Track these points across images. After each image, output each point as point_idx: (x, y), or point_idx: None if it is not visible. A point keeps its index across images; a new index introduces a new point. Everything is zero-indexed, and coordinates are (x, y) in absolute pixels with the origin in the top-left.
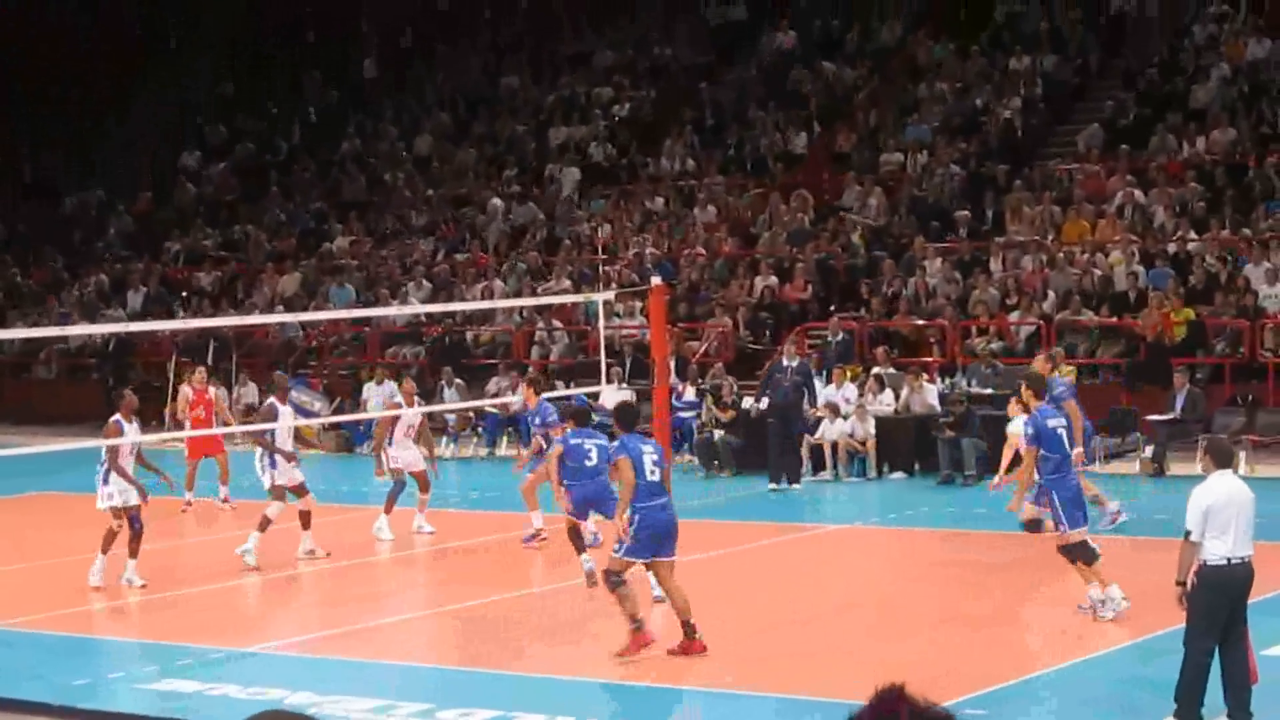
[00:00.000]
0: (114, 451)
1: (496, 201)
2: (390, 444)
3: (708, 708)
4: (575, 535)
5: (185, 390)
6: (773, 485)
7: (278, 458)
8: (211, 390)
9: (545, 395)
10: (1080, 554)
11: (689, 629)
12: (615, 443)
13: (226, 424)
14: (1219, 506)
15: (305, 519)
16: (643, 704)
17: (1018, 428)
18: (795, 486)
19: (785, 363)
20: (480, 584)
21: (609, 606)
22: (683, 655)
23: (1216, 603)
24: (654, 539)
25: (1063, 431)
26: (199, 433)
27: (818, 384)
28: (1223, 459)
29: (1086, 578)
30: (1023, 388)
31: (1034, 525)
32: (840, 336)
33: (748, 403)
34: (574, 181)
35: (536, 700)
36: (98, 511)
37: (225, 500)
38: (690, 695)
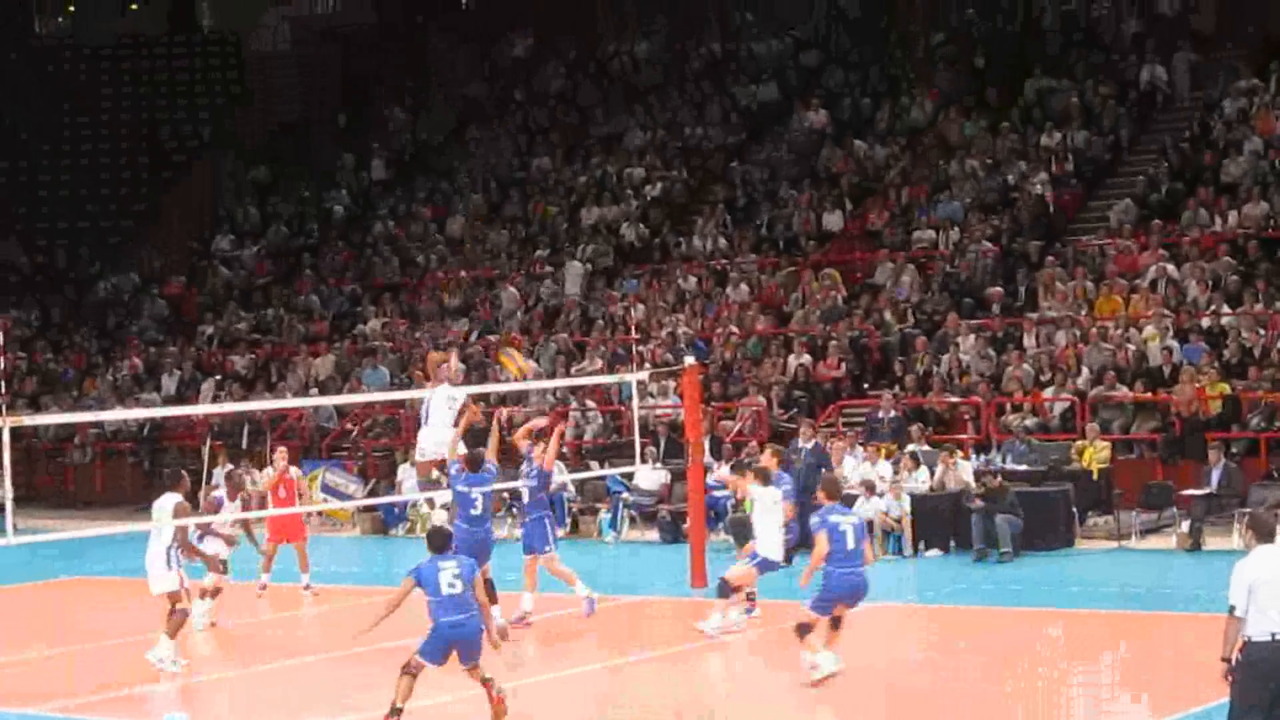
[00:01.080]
0: (184, 531)
1: (512, 290)
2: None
3: None
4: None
5: (266, 472)
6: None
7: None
8: (294, 470)
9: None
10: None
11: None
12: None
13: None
14: (1263, 581)
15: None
16: None
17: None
18: None
19: (800, 444)
20: (518, 665)
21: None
22: None
23: (1262, 680)
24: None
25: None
26: (279, 510)
27: (851, 462)
28: (1265, 533)
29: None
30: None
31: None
32: (892, 414)
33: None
34: (580, 274)
35: None
36: (152, 595)
37: (307, 587)
38: None
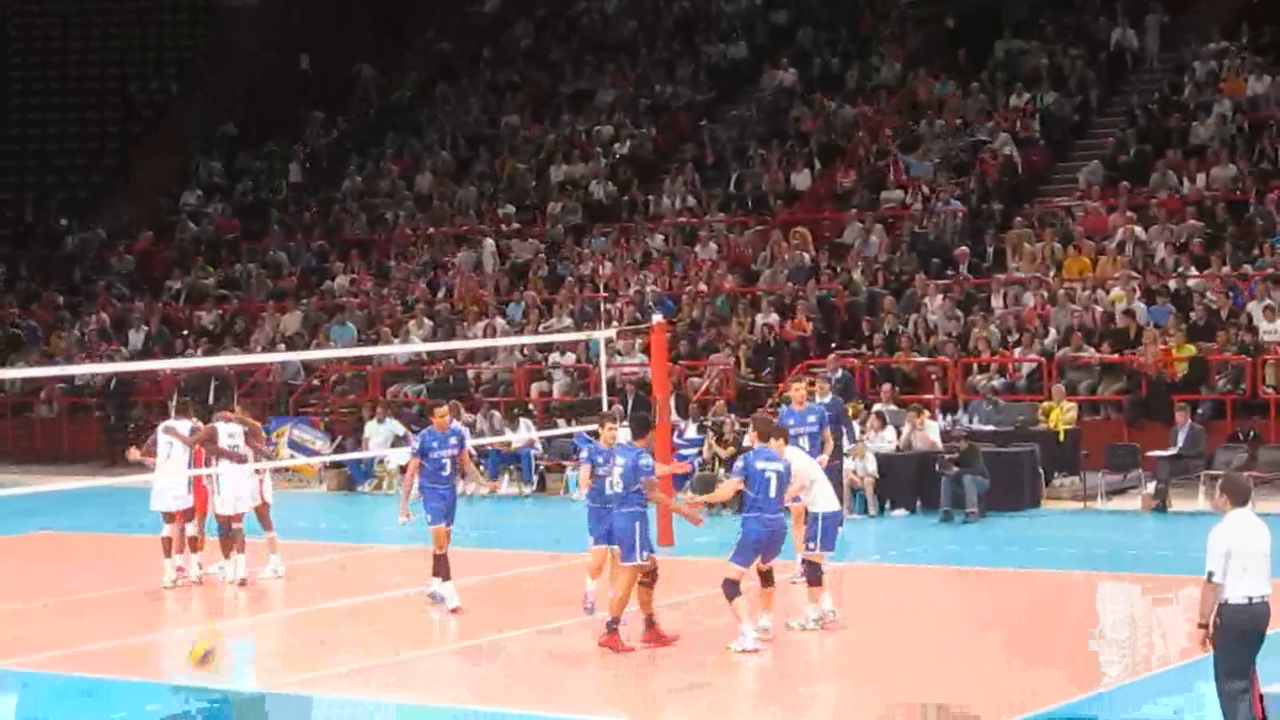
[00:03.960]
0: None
1: (489, 241)
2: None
3: None
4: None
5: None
6: None
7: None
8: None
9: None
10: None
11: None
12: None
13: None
14: (1240, 546)
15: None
16: None
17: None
18: None
19: (829, 374)
20: (481, 622)
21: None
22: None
23: (1245, 642)
24: None
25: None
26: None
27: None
28: (1240, 497)
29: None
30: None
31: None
32: (839, 373)
33: (748, 439)
34: (492, 251)
35: None
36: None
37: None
38: None
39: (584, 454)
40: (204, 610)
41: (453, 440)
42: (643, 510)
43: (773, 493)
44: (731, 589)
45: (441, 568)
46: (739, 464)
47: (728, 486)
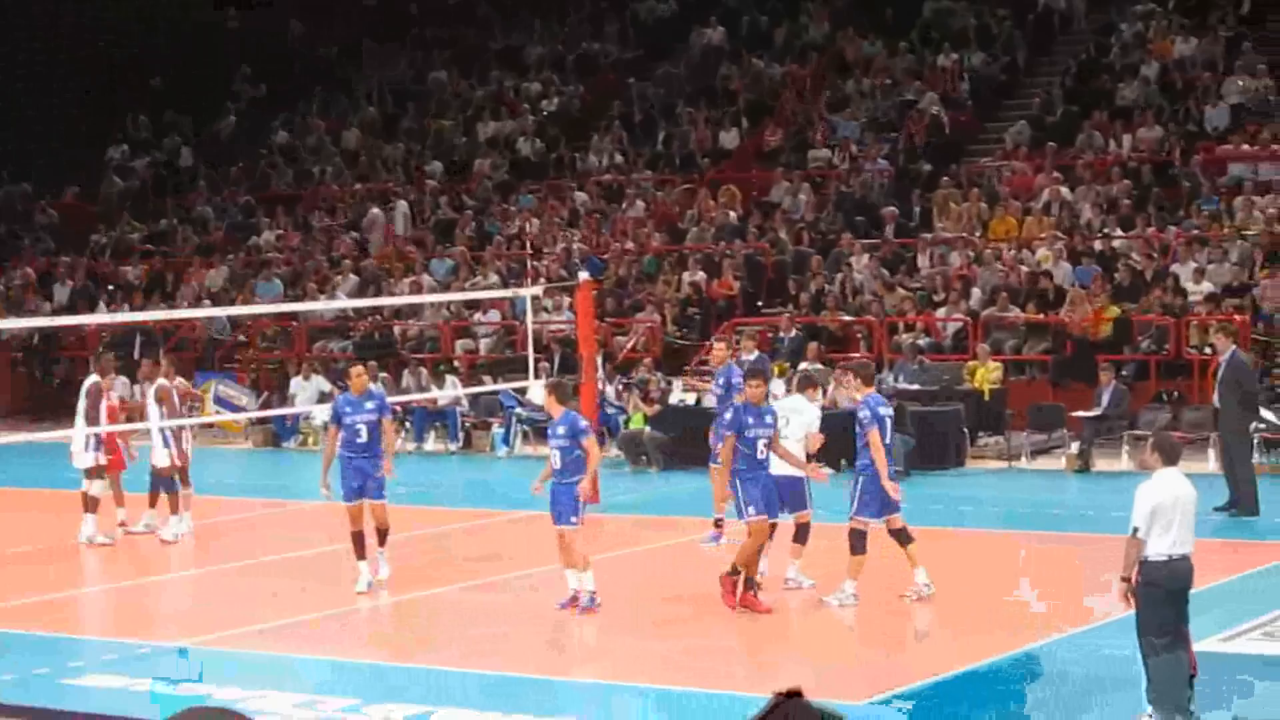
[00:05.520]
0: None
1: (402, 203)
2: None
3: (600, 697)
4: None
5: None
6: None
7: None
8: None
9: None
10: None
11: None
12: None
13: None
14: (1167, 504)
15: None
16: (570, 697)
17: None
18: None
19: (744, 357)
20: (405, 580)
21: (522, 604)
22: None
23: (1168, 598)
24: None
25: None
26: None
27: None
28: (1170, 456)
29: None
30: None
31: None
32: (793, 334)
33: (674, 398)
34: (380, 221)
35: (462, 695)
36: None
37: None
38: (586, 688)
39: (727, 415)
40: (130, 566)
41: (369, 405)
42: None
43: (761, 454)
44: (859, 542)
45: (356, 545)
46: (865, 412)
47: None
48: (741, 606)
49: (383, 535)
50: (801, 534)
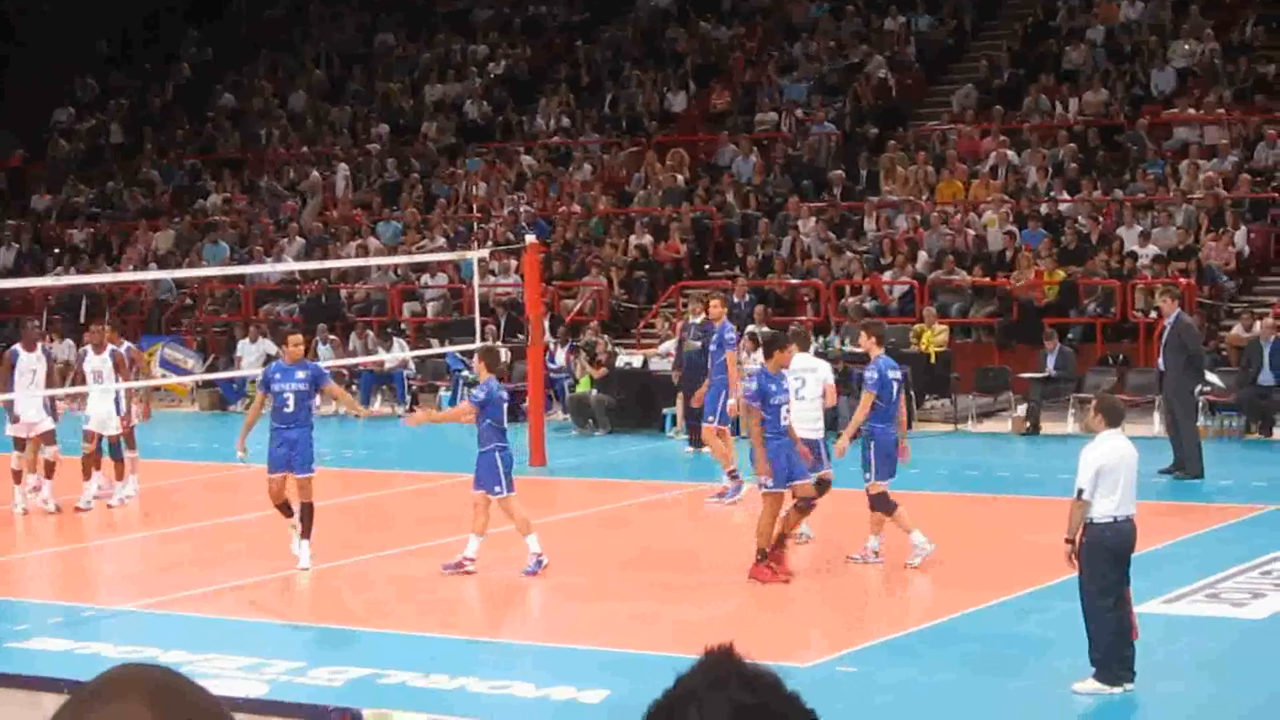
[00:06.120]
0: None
1: (343, 166)
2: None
3: (546, 660)
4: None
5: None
6: (690, 449)
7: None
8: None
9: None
10: (882, 505)
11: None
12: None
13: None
14: (1110, 466)
15: (50, 469)
16: (516, 658)
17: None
18: (706, 450)
19: (692, 321)
20: (352, 543)
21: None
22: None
23: (1112, 560)
24: None
25: (896, 382)
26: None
27: None
28: (1114, 418)
29: (875, 529)
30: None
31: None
32: (746, 299)
33: (621, 361)
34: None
35: (409, 658)
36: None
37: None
38: (535, 651)
39: (753, 384)
40: (68, 531)
41: (299, 375)
42: None
43: (784, 420)
44: (885, 503)
45: (288, 516)
46: (873, 374)
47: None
48: (751, 578)
49: (307, 517)
50: (822, 489)
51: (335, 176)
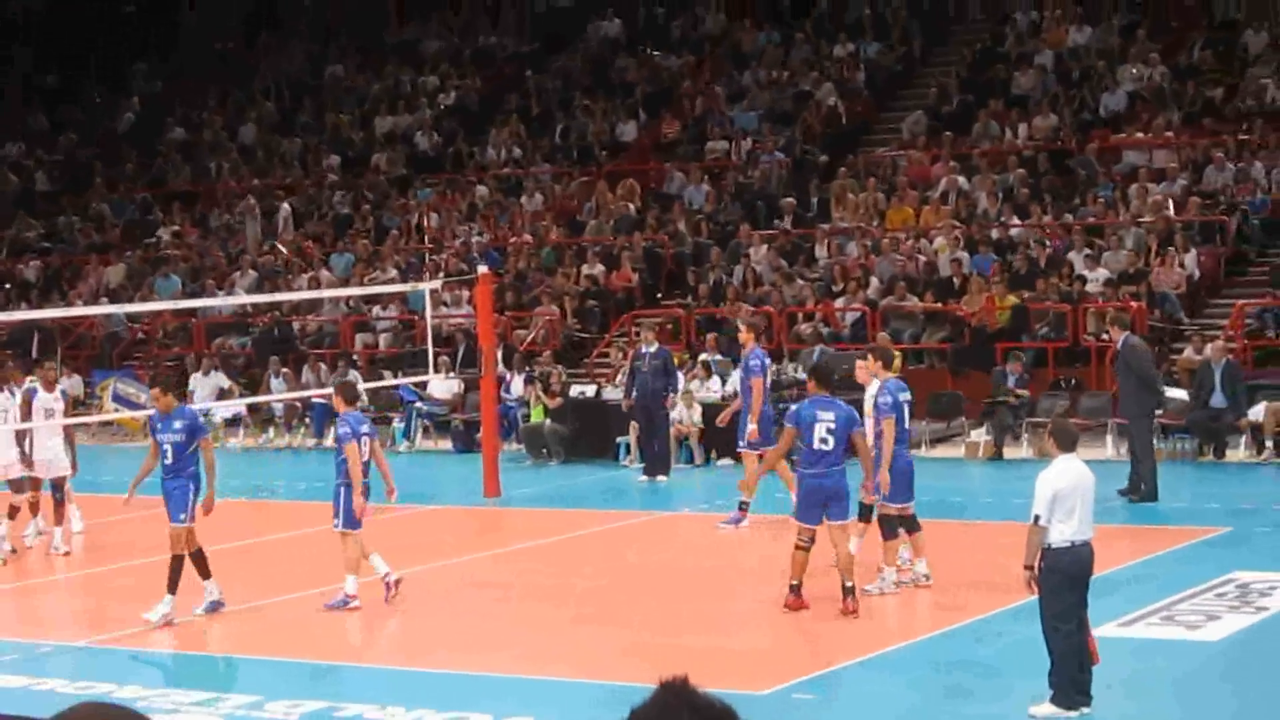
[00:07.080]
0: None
1: (285, 205)
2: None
3: (503, 690)
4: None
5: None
6: (644, 477)
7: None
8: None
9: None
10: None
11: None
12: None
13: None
14: (1067, 491)
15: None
16: (471, 690)
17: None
18: (661, 479)
19: (644, 350)
20: (306, 576)
21: (421, 603)
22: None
23: (1070, 584)
24: None
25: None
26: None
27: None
28: (1068, 442)
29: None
30: (870, 359)
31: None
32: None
33: (575, 390)
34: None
35: (365, 691)
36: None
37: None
38: (493, 681)
39: (888, 397)
40: (24, 566)
41: (176, 425)
42: None
43: (819, 444)
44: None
45: (173, 573)
46: (886, 399)
47: (784, 441)
48: (786, 608)
49: (198, 562)
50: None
51: (278, 216)
